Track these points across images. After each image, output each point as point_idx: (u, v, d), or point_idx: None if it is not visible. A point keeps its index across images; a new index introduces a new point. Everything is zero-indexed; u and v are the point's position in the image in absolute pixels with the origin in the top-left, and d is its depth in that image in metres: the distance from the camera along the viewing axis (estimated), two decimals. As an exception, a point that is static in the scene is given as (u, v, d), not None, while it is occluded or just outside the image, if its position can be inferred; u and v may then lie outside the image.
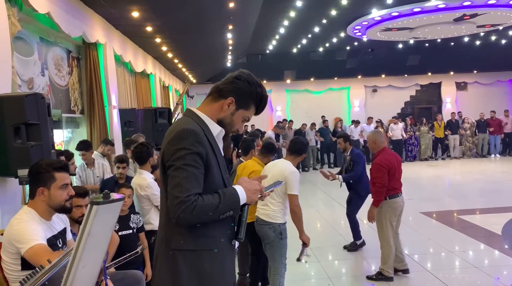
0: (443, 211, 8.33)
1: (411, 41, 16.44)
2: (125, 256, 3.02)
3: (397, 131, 16.21)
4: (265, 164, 4.72)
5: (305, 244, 4.04)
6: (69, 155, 4.94)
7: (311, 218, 8.27)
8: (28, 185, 2.53)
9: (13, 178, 3.65)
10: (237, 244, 2.08)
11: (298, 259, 4.13)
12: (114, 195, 1.19)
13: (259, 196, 2.02)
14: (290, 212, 3.95)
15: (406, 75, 19.82)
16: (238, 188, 1.93)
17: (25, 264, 2.28)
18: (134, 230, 3.93)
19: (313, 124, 16.33)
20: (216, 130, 2.01)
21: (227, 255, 2.00)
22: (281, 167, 4.01)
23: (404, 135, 16.19)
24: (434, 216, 7.94)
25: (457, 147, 16.73)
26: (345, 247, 6.23)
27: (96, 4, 6.68)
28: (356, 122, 16.49)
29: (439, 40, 16.39)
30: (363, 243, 6.24)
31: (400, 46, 17.48)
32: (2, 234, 2.44)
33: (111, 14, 7.27)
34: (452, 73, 19.83)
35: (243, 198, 1.92)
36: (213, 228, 1.92)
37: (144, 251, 3.82)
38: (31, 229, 2.30)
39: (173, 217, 1.81)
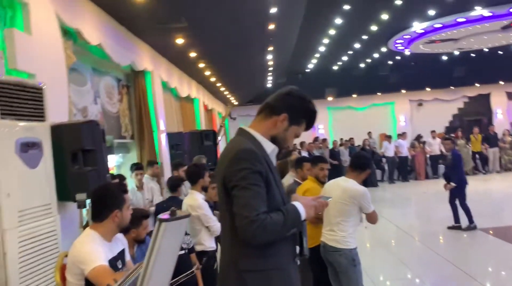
0: (501, 227, 7.89)
1: (456, 52, 16.01)
2: (181, 276, 3.06)
3: (435, 146, 15.22)
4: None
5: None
6: (122, 178, 5.11)
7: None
8: (92, 208, 2.62)
9: (72, 202, 3.81)
10: (298, 262, 2.06)
11: None
12: (181, 213, 1.22)
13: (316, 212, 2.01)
14: (372, 223, 3.79)
15: (452, 87, 19.26)
16: (297, 204, 1.94)
17: (88, 285, 2.35)
18: (186, 251, 3.97)
19: (346, 141, 15.50)
20: (270, 148, 2.02)
21: (293, 274, 2.00)
22: (346, 188, 3.66)
23: (443, 150, 15.38)
24: (491, 232, 7.53)
25: (497, 161, 15.53)
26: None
27: (144, 33, 6.97)
28: (388, 137, 15.69)
29: (486, 50, 15.86)
30: (475, 227, 7.48)
31: (445, 58, 17.06)
32: (66, 256, 2.54)
33: (157, 42, 7.56)
34: (501, 82, 19.06)
35: (302, 213, 1.92)
36: (278, 247, 1.92)
37: (196, 272, 3.84)
38: (94, 250, 2.38)
39: (244, 237, 1.81)
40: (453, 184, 7.59)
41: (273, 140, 2.04)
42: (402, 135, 15.73)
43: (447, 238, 7.58)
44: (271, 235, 1.82)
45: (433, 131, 15.56)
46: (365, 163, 3.80)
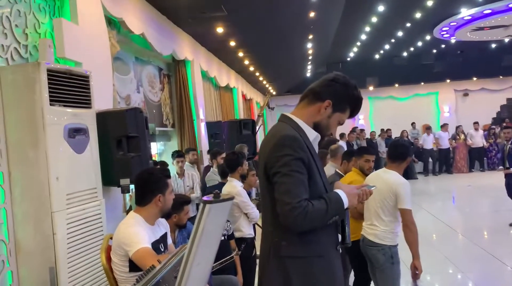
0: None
1: (506, 40, 15.26)
2: (221, 260, 3.11)
3: (477, 138, 14.64)
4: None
5: (416, 272, 3.36)
6: (164, 165, 5.22)
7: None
8: (136, 192, 2.70)
9: (116, 187, 3.93)
10: (340, 250, 2.04)
11: None
12: (225, 196, 1.24)
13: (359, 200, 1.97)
14: (404, 230, 3.41)
15: (501, 77, 18.40)
16: (340, 192, 1.91)
17: (132, 266, 2.43)
18: (225, 237, 4.01)
19: (384, 131, 14.99)
20: (312, 135, 1.99)
21: (335, 261, 1.98)
22: (387, 180, 3.43)
23: (485, 143, 14.67)
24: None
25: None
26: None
27: (184, 23, 7.05)
28: (428, 129, 15.09)
29: (539, 37, 15.04)
30: None
31: (493, 45, 16.31)
32: (111, 238, 2.63)
33: (197, 31, 7.63)
34: (555, 71, 18.06)
35: (345, 202, 1.89)
36: (320, 234, 1.90)
37: (235, 257, 3.89)
38: (138, 233, 2.45)
39: (285, 223, 1.80)
40: None
41: (316, 127, 2.01)
42: (443, 127, 15.18)
43: (492, 233, 7.31)
44: (313, 222, 1.80)
45: (475, 123, 14.96)
46: (403, 152, 3.54)
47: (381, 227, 3.43)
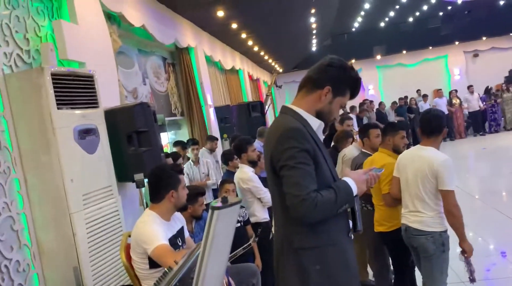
0: None
1: (515, -5, 14.84)
2: (239, 249, 3.15)
3: (473, 102, 14.19)
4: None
5: (464, 253, 3.06)
6: (176, 156, 5.26)
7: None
8: (149, 189, 2.74)
9: (130, 182, 3.99)
10: (352, 237, 2.04)
11: (472, 280, 3.09)
12: (231, 199, 1.25)
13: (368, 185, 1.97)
14: (446, 214, 3.02)
15: (511, 34, 17.93)
16: (349, 180, 1.90)
17: (152, 263, 2.49)
18: (242, 224, 4.05)
19: (394, 103, 14.81)
20: (316, 124, 1.98)
21: (348, 249, 1.99)
22: (425, 158, 3.02)
23: (481, 106, 14.19)
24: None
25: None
26: None
27: (184, 10, 6.99)
28: (424, 97, 14.68)
29: (549, -11, 14.57)
30: None
31: (502, 2, 15.85)
32: (129, 236, 2.68)
33: (198, 17, 7.57)
34: None
35: (354, 189, 1.89)
36: (331, 223, 1.91)
37: (252, 244, 3.93)
38: (155, 230, 2.50)
39: (296, 215, 1.81)
40: None
41: (319, 115, 1.99)
42: (437, 93, 14.74)
43: (510, 196, 7.28)
44: (323, 212, 1.81)
45: (470, 86, 14.56)
46: (439, 124, 3.10)
47: (427, 213, 3.05)
